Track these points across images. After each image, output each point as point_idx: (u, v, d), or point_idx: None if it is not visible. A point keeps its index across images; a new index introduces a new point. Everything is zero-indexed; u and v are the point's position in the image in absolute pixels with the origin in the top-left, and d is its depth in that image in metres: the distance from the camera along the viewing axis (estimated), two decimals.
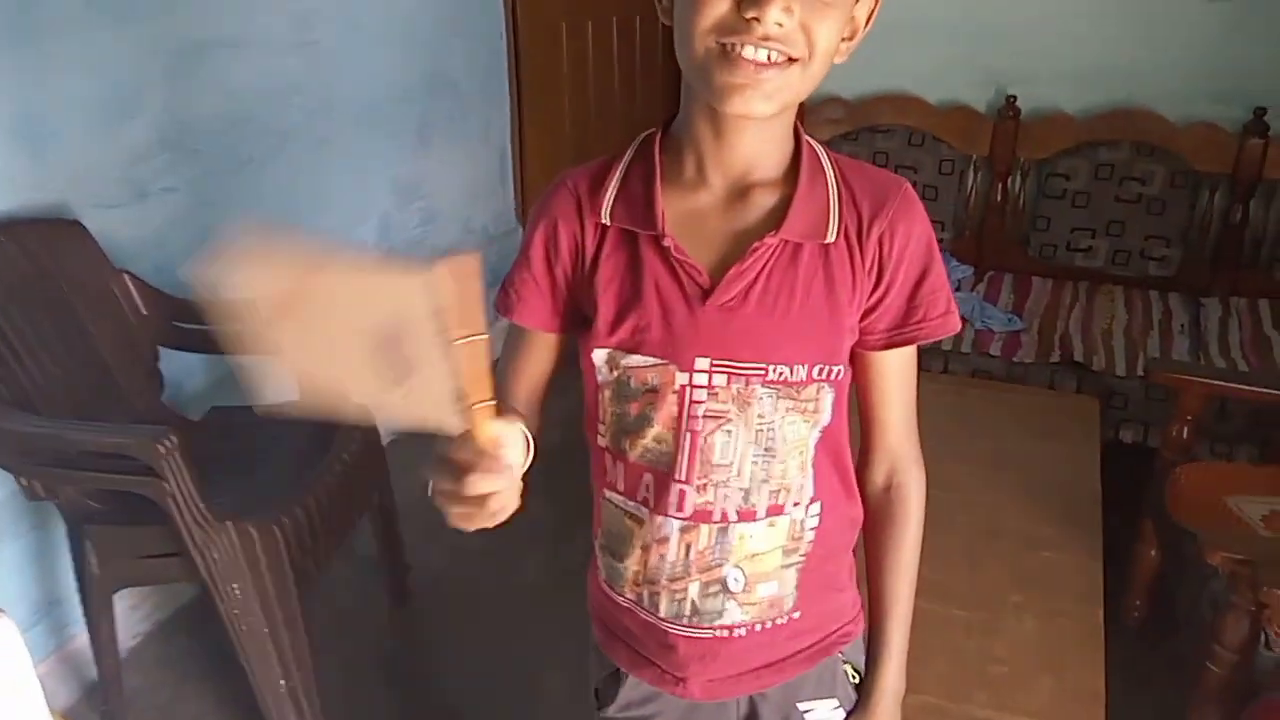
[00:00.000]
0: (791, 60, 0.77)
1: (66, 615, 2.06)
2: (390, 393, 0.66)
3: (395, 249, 2.98)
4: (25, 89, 1.88)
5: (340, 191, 2.71)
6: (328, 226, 2.68)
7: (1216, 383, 2.12)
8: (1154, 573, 2.12)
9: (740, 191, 0.86)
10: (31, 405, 1.78)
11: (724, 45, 0.76)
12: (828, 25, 0.77)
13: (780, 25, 0.74)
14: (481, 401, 0.67)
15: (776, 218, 0.85)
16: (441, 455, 0.68)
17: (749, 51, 0.75)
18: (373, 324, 0.65)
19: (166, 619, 2.24)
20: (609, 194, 0.88)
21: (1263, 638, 1.60)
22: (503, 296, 0.93)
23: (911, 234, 0.87)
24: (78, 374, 1.89)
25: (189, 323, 2.10)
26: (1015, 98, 2.94)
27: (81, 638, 2.02)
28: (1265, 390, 2.14)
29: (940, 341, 2.58)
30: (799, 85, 0.79)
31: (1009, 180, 2.99)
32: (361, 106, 2.74)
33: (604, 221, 0.87)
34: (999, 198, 3.00)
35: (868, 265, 0.86)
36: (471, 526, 0.71)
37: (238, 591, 1.74)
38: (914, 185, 2.80)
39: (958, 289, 2.90)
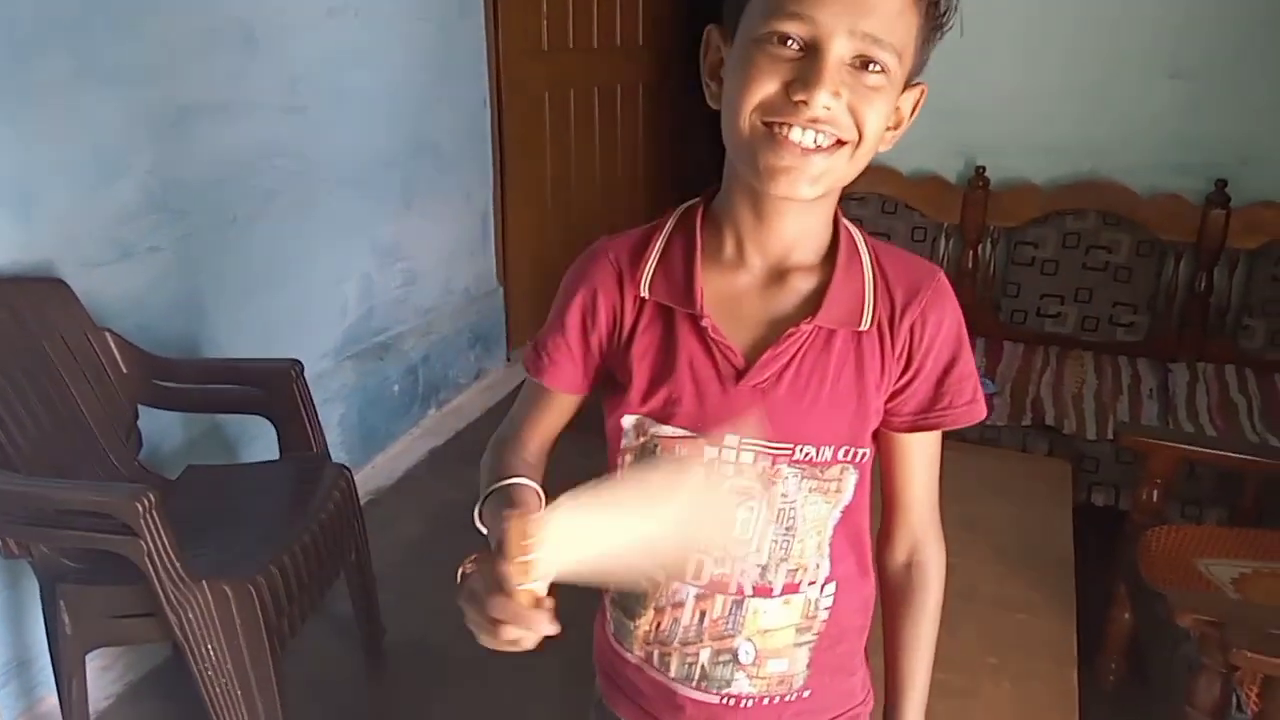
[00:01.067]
0: (840, 143, 0.77)
1: (36, 676, 2.03)
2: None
3: (377, 309, 3.00)
4: (14, 151, 1.91)
5: (323, 252, 2.75)
6: (313, 286, 2.71)
7: (1185, 446, 2.16)
8: (1128, 634, 2.14)
9: (778, 274, 0.87)
10: (9, 462, 1.77)
11: (770, 126, 0.77)
12: (875, 110, 0.77)
13: (828, 109, 0.75)
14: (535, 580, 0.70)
15: (813, 303, 0.85)
16: (477, 594, 0.72)
17: (795, 134, 0.76)
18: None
19: (139, 680, 2.20)
20: (649, 266, 0.88)
21: (1234, 700, 1.61)
22: (534, 358, 0.94)
23: (943, 323, 0.88)
24: (57, 432, 1.89)
25: (169, 381, 2.12)
26: (984, 168, 3.03)
27: (51, 700, 1.98)
28: (1232, 454, 2.19)
29: None
30: (845, 169, 0.80)
31: (979, 248, 3.07)
32: (346, 169, 2.79)
33: (643, 295, 0.88)
34: (970, 264, 3.07)
35: (898, 351, 0.87)
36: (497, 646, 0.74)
37: (212, 652, 1.73)
38: None
39: None
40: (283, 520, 1.93)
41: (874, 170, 3.07)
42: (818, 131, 0.76)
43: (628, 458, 0.91)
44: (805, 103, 0.74)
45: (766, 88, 0.76)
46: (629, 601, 0.95)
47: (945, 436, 2.77)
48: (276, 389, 2.09)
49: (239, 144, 2.42)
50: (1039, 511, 2.13)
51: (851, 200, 3.12)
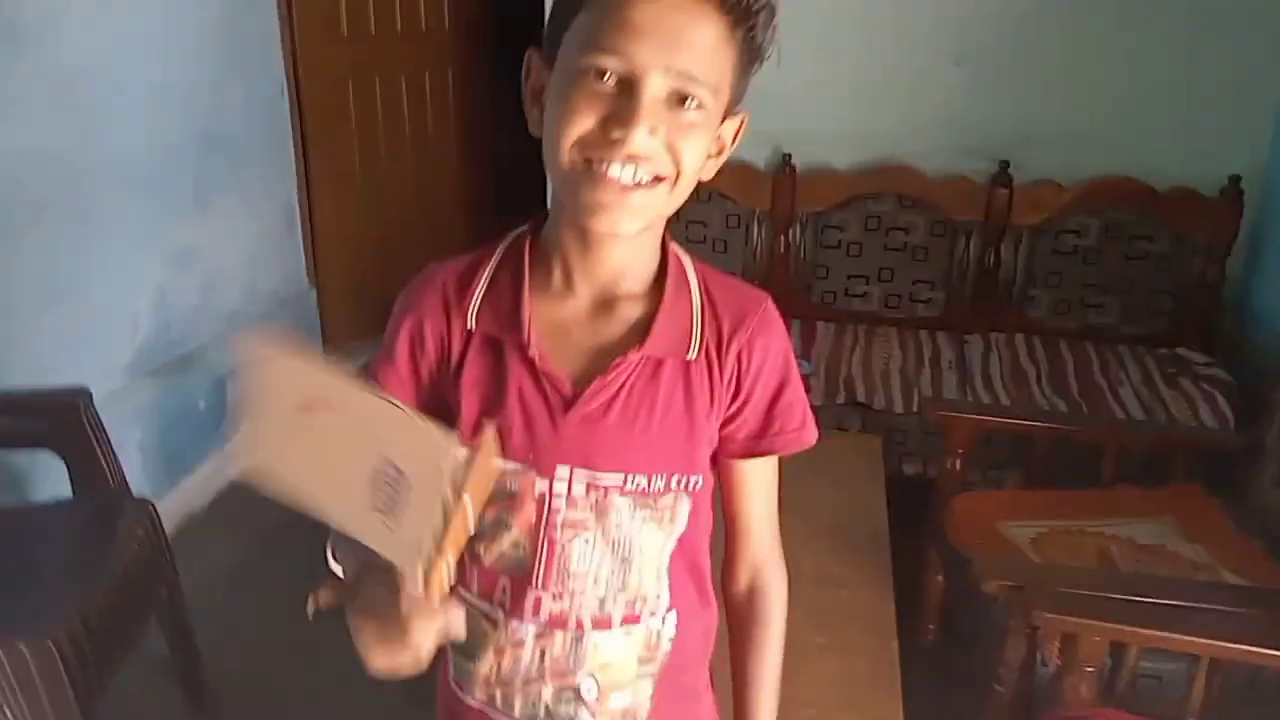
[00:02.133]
0: (659, 179, 0.78)
1: None
2: (369, 516, 0.69)
3: (173, 320, 2.81)
4: None
5: (108, 264, 2.53)
6: (95, 302, 2.50)
7: (981, 417, 2.33)
8: (942, 597, 2.28)
9: (606, 303, 0.87)
10: None
11: (589, 162, 0.76)
12: (692, 145, 0.78)
13: (645, 146, 0.75)
14: (450, 562, 0.69)
15: (640, 332, 0.86)
16: (373, 602, 0.71)
17: (614, 170, 0.76)
18: (383, 454, 0.68)
19: None
20: (475, 297, 0.87)
21: (1039, 656, 1.75)
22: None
23: (770, 350, 0.89)
24: None
25: None
26: (791, 155, 3.13)
27: None
28: (1023, 421, 2.37)
29: None
30: (665, 204, 0.80)
31: (789, 232, 3.17)
32: (128, 171, 2.58)
33: (470, 326, 0.86)
34: (782, 249, 3.17)
35: (726, 379, 0.88)
36: (389, 672, 0.73)
37: (10, 716, 1.58)
38: (703, 239, 2.91)
39: None
40: (81, 567, 1.78)
41: None
42: (636, 167, 0.76)
43: None
44: (622, 140, 0.75)
45: (584, 123, 0.76)
46: (469, 644, 0.93)
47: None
48: (63, 421, 1.92)
49: (2, 152, 2.19)
50: (855, 488, 2.23)
51: None
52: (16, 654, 1.57)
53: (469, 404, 0.87)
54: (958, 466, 2.28)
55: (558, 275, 0.87)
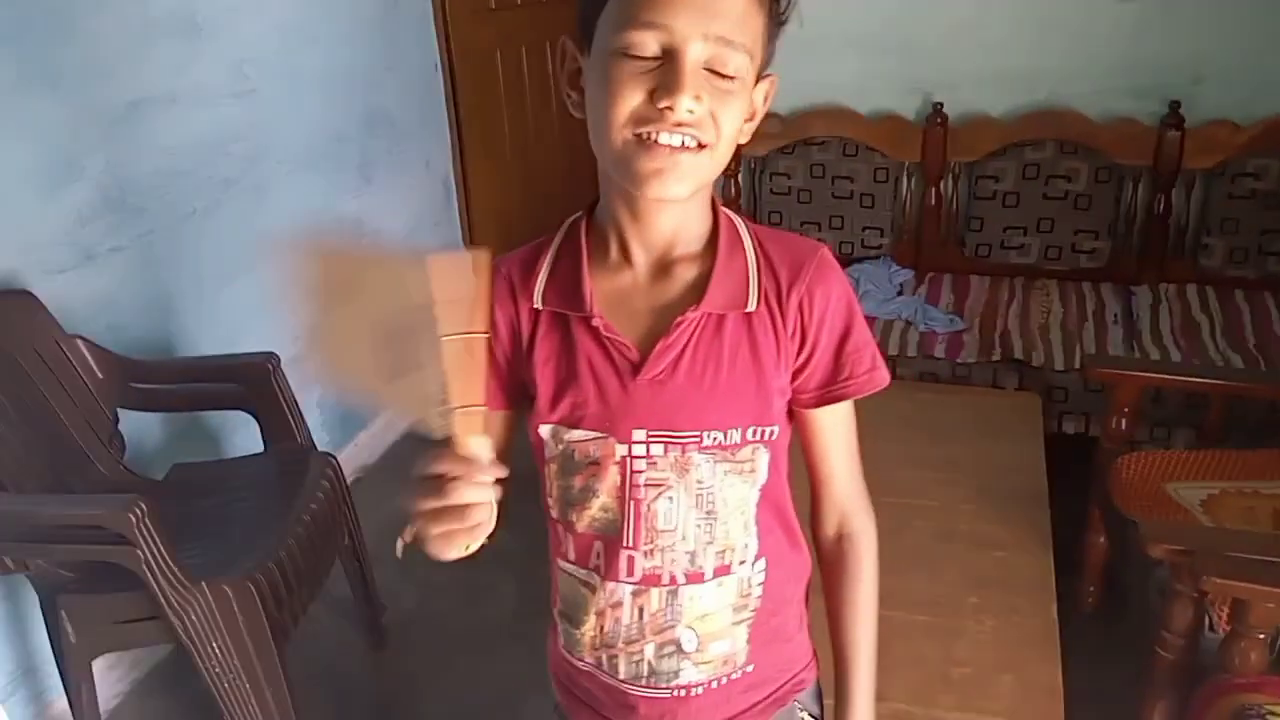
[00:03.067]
0: (702, 146, 0.80)
1: (43, 682, 2.05)
2: (390, 384, 0.71)
3: None
4: None
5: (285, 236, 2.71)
6: (271, 272, 2.69)
7: (1149, 375, 2.23)
8: (1104, 558, 2.22)
9: (663, 268, 0.90)
10: None
11: (640, 135, 0.79)
12: (732, 111, 0.81)
13: (691, 112, 0.78)
14: (468, 406, 0.70)
15: (698, 291, 0.88)
16: (420, 473, 0.72)
17: (664, 137, 0.79)
18: (388, 313, 0.70)
19: (144, 677, 2.24)
20: (540, 278, 0.91)
21: (1207, 621, 1.69)
22: None
23: (830, 297, 0.91)
24: (40, 445, 1.89)
25: (145, 383, 2.11)
26: (941, 104, 3.04)
27: (60, 704, 2.02)
28: (1195, 379, 2.26)
29: (888, 346, 2.67)
30: (709, 169, 0.83)
31: (941, 184, 3.09)
32: (301, 150, 2.75)
33: (537, 306, 0.91)
34: (933, 201, 3.10)
35: (790, 329, 0.90)
36: (450, 550, 0.74)
37: (217, 650, 1.76)
38: (850, 194, 2.88)
39: (899, 293, 2.99)
40: (275, 514, 1.95)
41: (833, 113, 3.11)
42: (684, 135, 0.79)
43: (553, 467, 0.94)
44: (671, 109, 0.77)
45: (632, 99, 0.79)
46: (573, 610, 0.98)
47: (921, 376, 2.80)
48: (255, 383, 2.09)
49: (191, 134, 2.38)
50: (1012, 447, 2.19)
51: (813, 146, 3.12)
52: (221, 595, 1.74)
53: (544, 379, 0.91)
54: (1123, 425, 2.20)
55: (614, 248, 0.90)
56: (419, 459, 0.72)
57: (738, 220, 0.94)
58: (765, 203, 3.21)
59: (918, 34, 3.04)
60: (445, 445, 0.71)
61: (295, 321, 0.72)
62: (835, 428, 0.97)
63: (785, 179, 3.16)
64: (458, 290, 0.69)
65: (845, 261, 3.15)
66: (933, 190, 3.09)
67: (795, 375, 0.92)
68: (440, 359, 0.69)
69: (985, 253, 3.08)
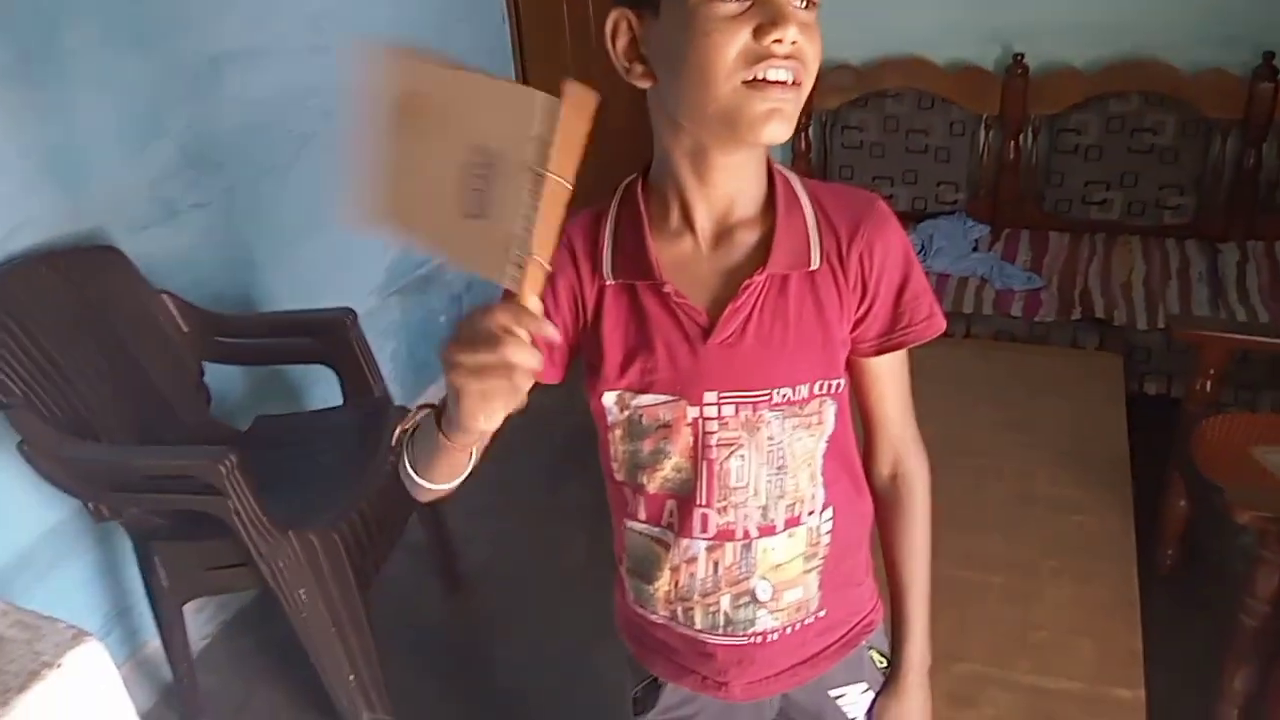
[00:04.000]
0: (797, 84, 0.80)
1: (135, 622, 2.14)
2: (461, 225, 0.66)
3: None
4: (53, 121, 1.92)
5: None
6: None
7: (1237, 337, 2.16)
8: (1185, 523, 2.18)
9: (724, 232, 0.90)
10: (89, 430, 1.84)
11: (753, 78, 0.78)
12: (816, 44, 0.80)
13: (795, 43, 0.77)
14: (542, 260, 0.66)
15: (761, 253, 0.89)
16: (473, 324, 0.68)
17: (773, 73, 0.78)
18: (474, 142, 0.64)
19: (230, 619, 2.33)
20: (605, 250, 0.91)
21: None
22: None
23: (889, 248, 0.91)
24: (129, 395, 1.95)
25: (229, 337, 2.17)
26: (1022, 55, 2.94)
27: (152, 644, 2.11)
28: None
29: (962, 304, 2.62)
30: (799, 108, 0.82)
31: (1020, 138, 3.00)
32: None
33: (608, 280, 0.91)
34: (1011, 156, 3.02)
35: (851, 283, 0.91)
36: (483, 412, 0.70)
37: (304, 596, 1.82)
38: (925, 149, 2.82)
39: (975, 249, 2.93)
40: (355, 466, 1.99)
41: (908, 63, 3.03)
42: (789, 69, 0.78)
43: (617, 433, 0.95)
44: (781, 40, 0.77)
45: (738, 40, 0.77)
46: (644, 567, 1.00)
47: (996, 335, 2.75)
48: (333, 338, 2.13)
49: (269, 90, 2.41)
50: (1093, 409, 2.14)
51: (887, 98, 3.05)
52: (308, 543, 1.79)
53: (612, 346, 0.91)
54: (1208, 388, 2.14)
55: (675, 214, 0.90)
56: (472, 310, 0.69)
57: (792, 177, 0.94)
58: (836, 157, 3.16)
59: None
60: (503, 298, 0.67)
61: (365, 143, 0.65)
62: (891, 373, 0.99)
63: (857, 132, 3.10)
64: (568, 131, 0.63)
65: (919, 217, 3.08)
66: (1011, 144, 3.01)
67: (855, 325, 0.93)
68: (535, 200, 0.63)
69: (1065, 209, 3.00)
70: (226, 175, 2.31)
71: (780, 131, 0.80)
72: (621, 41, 0.85)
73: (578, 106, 0.62)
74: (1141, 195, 2.91)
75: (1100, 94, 2.90)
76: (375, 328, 2.72)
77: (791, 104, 0.80)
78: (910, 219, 3.04)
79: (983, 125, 3.02)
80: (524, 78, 3.48)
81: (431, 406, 0.83)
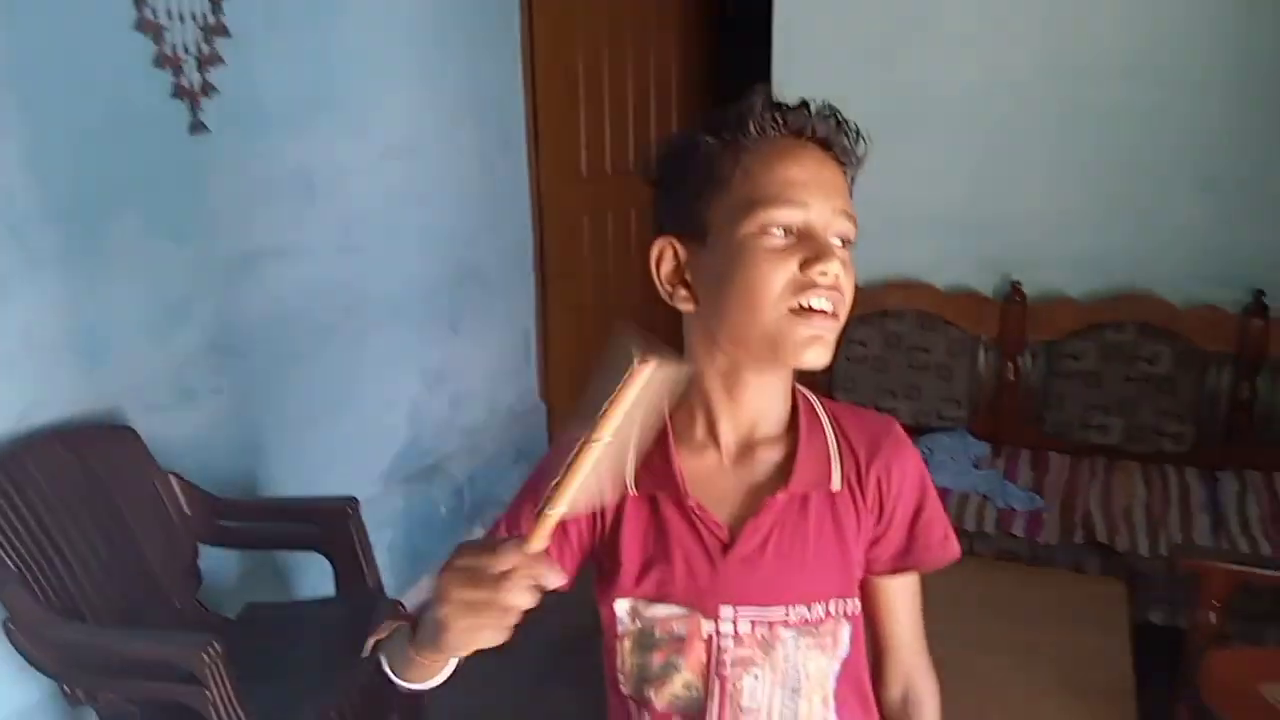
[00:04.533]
0: (835, 315, 0.85)
1: None
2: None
3: (424, 433, 3.06)
4: (86, 303, 2.01)
5: (375, 381, 2.82)
6: (363, 416, 2.79)
7: (1241, 568, 2.14)
8: None
9: (747, 448, 0.93)
10: (77, 611, 1.82)
11: (797, 307, 0.83)
12: (850, 279, 0.86)
13: (837, 275, 0.83)
14: (559, 508, 0.68)
15: (784, 471, 0.92)
16: (476, 559, 0.68)
17: (817, 303, 0.83)
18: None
19: None
20: (630, 461, 0.91)
21: None
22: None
23: (906, 471, 0.95)
24: (122, 576, 1.95)
25: (230, 520, 2.17)
26: (1019, 283, 3.07)
27: None
28: None
29: (964, 521, 2.61)
30: (837, 335, 0.87)
31: (1019, 359, 3.08)
32: (397, 302, 2.89)
33: (631, 491, 0.92)
34: (1011, 377, 3.09)
35: (869, 504, 0.93)
36: (469, 646, 0.71)
37: None
38: (926, 366, 2.88)
39: (976, 466, 2.95)
40: (338, 661, 1.95)
41: (911, 286, 3.16)
42: (831, 300, 0.84)
43: (626, 643, 0.94)
44: (825, 273, 0.83)
45: (785, 271, 0.83)
46: None
47: (999, 555, 2.71)
48: (333, 526, 2.13)
49: (297, 285, 2.52)
50: (1097, 636, 2.10)
51: (888, 316, 3.17)
52: None
53: (630, 557, 0.92)
54: (1213, 619, 2.11)
55: (700, 428, 0.93)
56: (469, 545, 0.70)
57: (813, 398, 0.97)
58: (841, 370, 3.24)
59: (996, 214, 3.11)
60: (505, 541, 0.68)
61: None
62: (904, 595, 1.00)
63: (861, 348, 3.20)
64: (630, 397, 0.69)
65: (921, 431, 3.12)
66: (1010, 365, 3.08)
67: (870, 546, 0.95)
68: (576, 458, 0.67)
69: (1065, 431, 3.04)
70: (248, 363, 2.39)
71: (820, 357, 0.85)
72: (666, 267, 0.91)
73: (655, 378, 0.69)
74: (1140, 422, 2.95)
75: (1097, 323, 2.99)
76: (376, 516, 2.71)
77: (831, 332, 0.85)
78: (913, 433, 3.02)
79: (982, 346, 3.11)
80: (544, 286, 3.63)
81: (405, 619, 0.82)
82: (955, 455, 2.97)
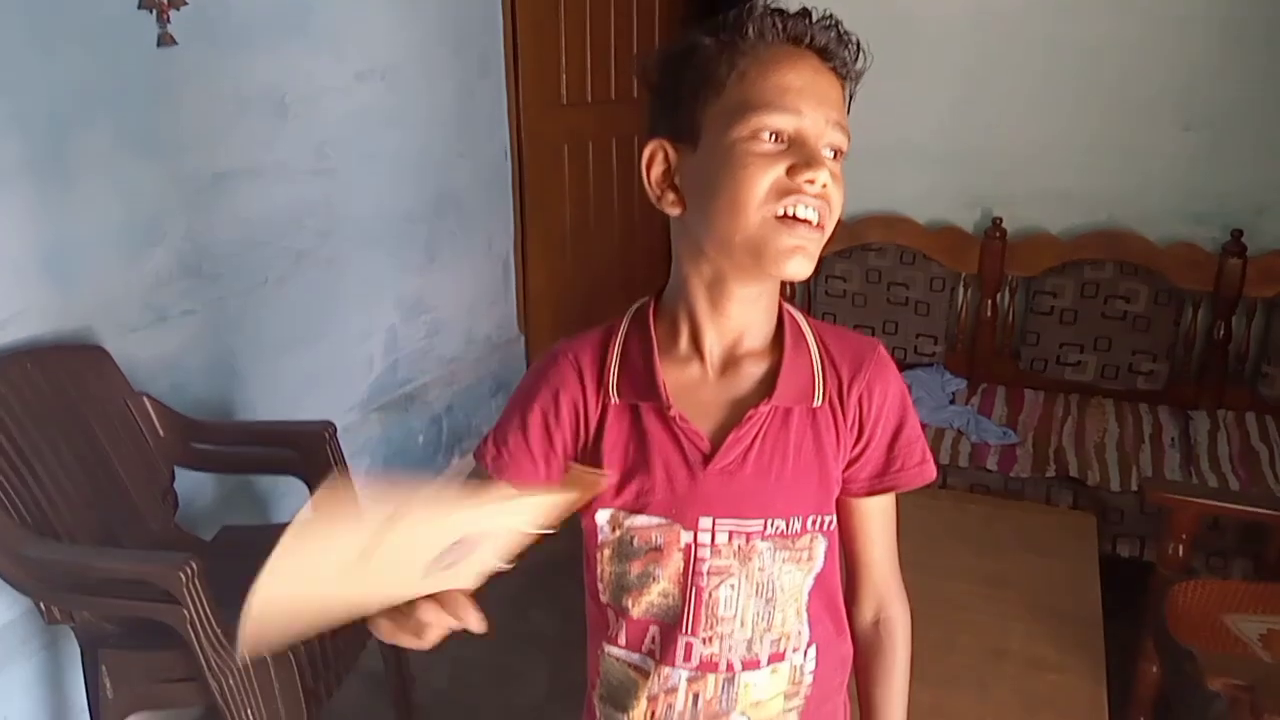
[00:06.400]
0: (821, 226, 0.84)
1: None
2: (420, 583, 0.71)
3: (401, 361, 3.04)
4: (55, 220, 1.97)
5: (351, 309, 2.79)
6: (339, 343, 2.76)
7: (1210, 502, 2.18)
8: (1156, 688, 2.14)
9: (731, 361, 0.93)
10: (51, 529, 1.81)
11: (781, 213, 0.82)
12: (840, 192, 0.85)
13: (825, 185, 0.82)
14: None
15: (767, 385, 0.91)
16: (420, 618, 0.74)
17: (802, 211, 0.82)
18: (454, 542, 0.69)
19: None
20: (612, 370, 0.93)
21: None
22: (494, 455, 0.95)
23: (888, 393, 0.95)
24: (96, 496, 1.93)
25: (205, 443, 2.15)
26: (1000, 219, 3.06)
27: None
28: (1258, 510, 2.20)
29: (939, 455, 2.64)
30: (820, 249, 0.86)
31: (998, 296, 3.09)
32: (373, 228, 2.84)
33: (613, 399, 0.92)
34: (989, 313, 3.10)
35: (849, 422, 0.93)
36: (391, 640, 0.77)
37: (251, 716, 1.75)
38: (905, 301, 2.90)
39: (951, 401, 2.98)
40: None
41: (892, 221, 3.14)
42: (817, 209, 0.83)
43: (605, 552, 0.95)
44: (813, 181, 0.81)
45: (771, 175, 0.82)
46: (619, 695, 0.98)
47: (972, 488, 2.75)
48: (310, 450, 2.12)
49: (270, 207, 2.47)
50: (1066, 567, 2.13)
51: (869, 251, 3.16)
52: (261, 661, 1.74)
53: (611, 465, 0.92)
54: (1180, 553, 2.15)
55: (684, 339, 0.93)
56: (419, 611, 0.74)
57: (799, 316, 0.97)
58: (820, 304, 3.24)
59: (980, 150, 3.10)
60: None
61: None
62: (879, 517, 1.00)
63: (841, 282, 3.19)
64: (567, 503, 0.72)
65: (899, 366, 3.12)
66: (989, 302, 3.09)
67: (849, 465, 0.95)
68: (505, 548, 0.72)
69: (1040, 367, 3.06)
70: (219, 286, 2.35)
71: (802, 267, 0.84)
72: (656, 170, 0.90)
73: (585, 489, 0.75)
74: (1115, 359, 2.98)
75: (1075, 260, 3.00)
76: (352, 444, 2.70)
77: (814, 244, 0.84)
78: (892, 359, 3.09)
79: (961, 282, 3.12)
80: (522, 215, 3.58)
81: None
82: (931, 391, 2.99)
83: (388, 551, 0.64)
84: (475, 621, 0.73)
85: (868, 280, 3.17)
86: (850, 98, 0.88)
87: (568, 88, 3.63)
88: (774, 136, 0.82)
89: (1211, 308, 2.91)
